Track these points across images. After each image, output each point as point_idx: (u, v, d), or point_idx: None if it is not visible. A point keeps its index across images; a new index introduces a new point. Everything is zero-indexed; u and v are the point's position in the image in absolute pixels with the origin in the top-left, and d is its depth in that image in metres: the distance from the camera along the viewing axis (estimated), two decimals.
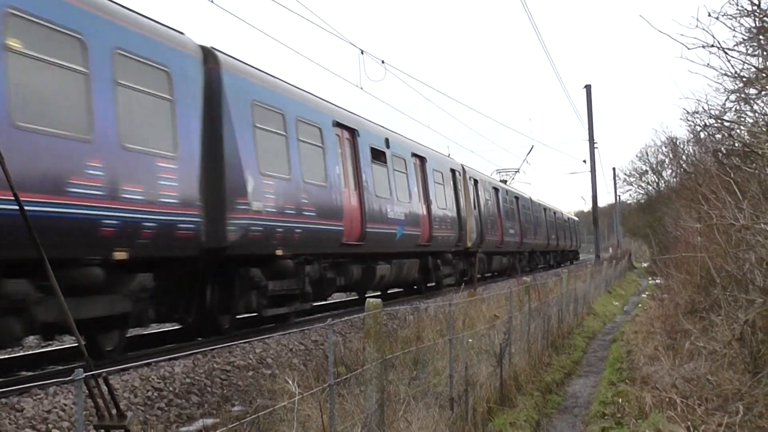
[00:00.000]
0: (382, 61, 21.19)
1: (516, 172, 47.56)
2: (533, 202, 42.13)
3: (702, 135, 13.62)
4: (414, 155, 21.32)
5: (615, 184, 63.13)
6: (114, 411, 3.98)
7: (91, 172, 8.81)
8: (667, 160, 40.79)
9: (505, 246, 32.34)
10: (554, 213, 50.94)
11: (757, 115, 8.65)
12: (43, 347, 12.61)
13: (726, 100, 9.23)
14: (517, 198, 37.51)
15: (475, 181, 28.35)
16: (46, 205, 8.08)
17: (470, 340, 9.46)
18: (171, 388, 8.43)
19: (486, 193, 30.08)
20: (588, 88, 39.07)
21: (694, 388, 8.24)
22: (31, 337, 11.45)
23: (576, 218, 69.49)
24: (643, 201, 50.02)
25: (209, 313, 12.10)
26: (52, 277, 4.26)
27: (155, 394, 8.20)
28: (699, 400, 7.73)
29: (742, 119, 9.11)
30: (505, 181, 40.96)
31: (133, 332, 12.77)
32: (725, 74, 8.64)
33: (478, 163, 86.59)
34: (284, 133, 13.47)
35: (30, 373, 9.79)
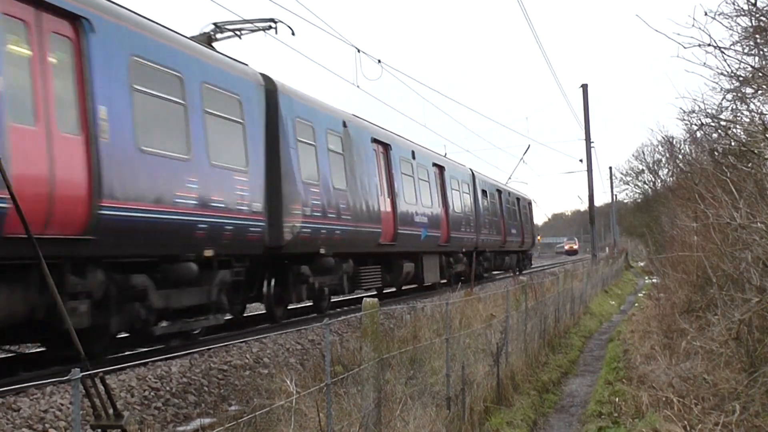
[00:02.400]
0: (379, 61, 21.14)
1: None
2: (371, 130, 18.71)
3: (698, 134, 13.63)
4: None
5: (611, 183, 63.01)
6: (111, 411, 3.98)
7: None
8: (663, 160, 40.82)
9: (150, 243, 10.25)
10: (458, 180, 26.21)
11: (753, 114, 8.67)
12: (39, 347, 12.55)
13: (722, 100, 9.27)
14: (314, 130, 15.01)
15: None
16: None
17: (467, 340, 9.47)
18: (168, 388, 8.42)
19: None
20: (584, 87, 39.01)
21: (690, 387, 8.26)
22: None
23: (528, 197, 42.40)
24: (639, 200, 49.99)
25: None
26: (49, 276, 4.25)
27: (152, 393, 8.19)
28: (695, 399, 7.75)
29: (739, 118, 9.13)
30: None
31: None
32: (722, 73, 8.68)
33: (475, 162, 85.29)
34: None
35: (27, 373, 9.77)
